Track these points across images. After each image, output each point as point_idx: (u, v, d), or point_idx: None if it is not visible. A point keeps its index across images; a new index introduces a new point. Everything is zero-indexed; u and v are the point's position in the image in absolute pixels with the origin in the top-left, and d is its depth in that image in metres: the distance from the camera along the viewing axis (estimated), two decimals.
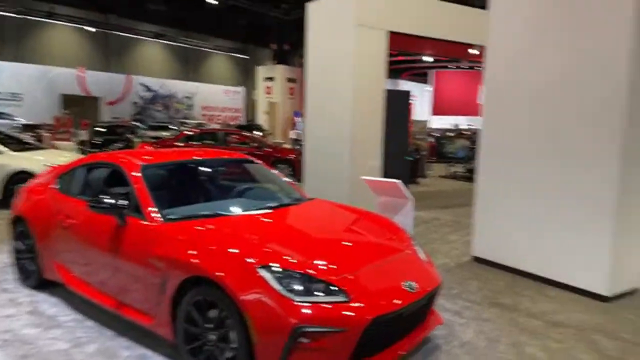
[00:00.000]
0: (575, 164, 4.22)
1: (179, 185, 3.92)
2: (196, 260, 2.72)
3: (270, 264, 2.57)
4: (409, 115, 7.93)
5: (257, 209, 3.45)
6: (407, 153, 11.06)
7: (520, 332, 3.45)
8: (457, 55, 10.24)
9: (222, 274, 2.57)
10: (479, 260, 5.13)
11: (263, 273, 2.52)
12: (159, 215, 3.10)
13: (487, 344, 3.27)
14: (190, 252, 2.77)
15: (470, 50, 8.44)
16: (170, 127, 21.51)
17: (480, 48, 7.92)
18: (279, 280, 2.50)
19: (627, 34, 3.80)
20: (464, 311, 3.80)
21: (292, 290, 2.48)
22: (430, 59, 10.78)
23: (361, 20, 6.67)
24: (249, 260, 2.61)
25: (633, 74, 3.82)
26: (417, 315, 2.89)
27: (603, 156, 4.00)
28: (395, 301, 2.65)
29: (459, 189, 11.13)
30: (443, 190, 11.17)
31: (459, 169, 13.74)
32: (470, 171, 12.93)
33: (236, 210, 3.49)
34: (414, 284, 2.78)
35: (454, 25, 7.90)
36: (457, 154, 14.23)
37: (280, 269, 2.56)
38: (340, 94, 6.97)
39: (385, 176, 6.95)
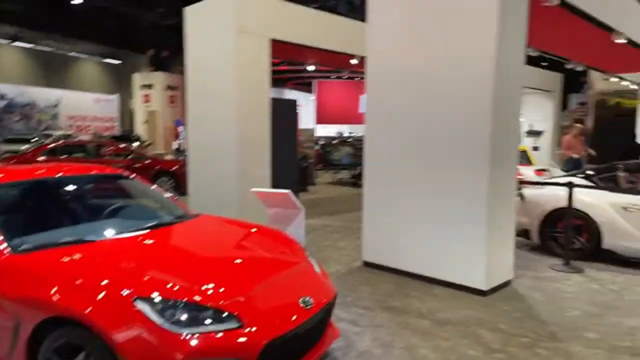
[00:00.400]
0: (451, 169, 4.48)
1: (34, 208, 3.34)
2: (57, 297, 2.30)
3: (150, 295, 2.27)
4: (297, 124, 7.92)
5: (133, 231, 3.06)
6: (298, 161, 11.10)
7: (412, 334, 3.52)
8: (339, 66, 10.53)
9: (90, 310, 2.20)
10: (369, 264, 5.22)
11: (141, 306, 2.21)
12: (5, 245, 2.58)
13: (383, 350, 3.27)
14: (49, 287, 2.34)
15: (352, 61, 8.71)
16: (33, 140, 19.04)
17: (361, 59, 8.22)
18: (161, 312, 2.21)
19: (491, 46, 4.12)
20: (358, 319, 3.79)
21: (176, 322, 2.20)
22: (313, 68, 10.93)
23: (242, 26, 6.48)
24: (123, 292, 2.27)
25: (498, 82, 4.16)
26: (315, 331, 2.77)
27: (474, 161, 4.30)
28: (291, 320, 2.50)
29: (346, 195, 11.42)
30: (331, 196, 11.38)
31: (344, 175, 14.17)
32: (355, 177, 13.41)
33: (108, 233, 3.08)
34: (309, 300, 2.66)
35: (336, 36, 8.08)
36: (342, 161, 14.67)
37: (161, 299, 2.26)
38: (224, 102, 6.69)
39: (276, 185, 6.82)
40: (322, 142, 17.10)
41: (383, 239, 5.09)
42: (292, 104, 7.89)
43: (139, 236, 3.01)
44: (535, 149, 14.95)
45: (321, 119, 27.41)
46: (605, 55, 8.58)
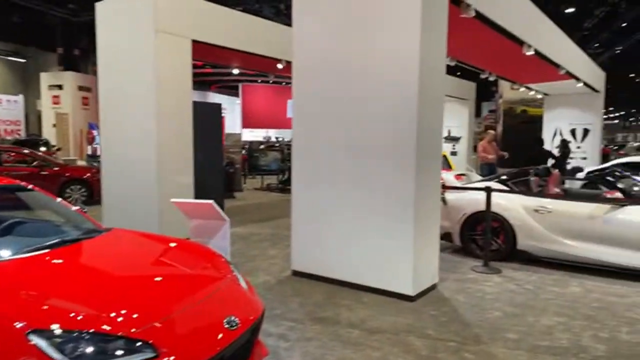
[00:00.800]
0: (377, 174, 4.48)
1: None
2: None
3: (48, 326, 1.97)
4: (222, 128, 7.63)
5: (31, 251, 2.70)
6: (223, 167, 10.76)
7: (343, 346, 3.44)
8: (265, 70, 10.36)
9: None
10: (298, 274, 5.10)
11: (36, 340, 1.91)
12: None
13: None
14: None
15: (278, 65, 8.59)
16: None
17: (287, 63, 8.12)
18: (60, 346, 1.93)
19: (416, 47, 4.17)
20: (288, 333, 3.65)
21: (79, 357, 1.93)
22: (237, 72, 10.61)
23: (161, 26, 6.11)
24: (17, 324, 1.96)
25: (422, 86, 4.21)
26: (241, 352, 2.59)
27: (401, 167, 4.33)
28: (214, 344, 2.30)
29: (274, 201, 11.25)
30: (260, 203, 11.14)
31: (272, 181, 14.00)
32: (283, 182, 13.29)
33: (2, 254, 2.68)
34: (234, 319, 2.48)
35: (261, 39, 7.92)
36: (270, 166, 14.49)
37: (61, 331, 1.97)
38: (142, 105, 6.26)
39: (201, 193, 6.50)
40: (249, 147, 16.81)
41: (312, 246, 5.00)
42: (217, 107, 7.61)
43: (38, 256, 2.66)
44: (454, 154, 15.75)
45: (247, 123, 27.01)
46: (515, 67, 9.19)
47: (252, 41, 7.76)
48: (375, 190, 4.52)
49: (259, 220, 8.50)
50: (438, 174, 4.83)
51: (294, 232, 5.17)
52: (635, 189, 5.72)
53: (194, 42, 6.67)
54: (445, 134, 16.51)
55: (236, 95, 28.50)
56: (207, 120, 7.03)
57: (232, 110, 29.06)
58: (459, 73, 15.40)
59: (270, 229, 7.74)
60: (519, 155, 11.08)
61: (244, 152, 15.29)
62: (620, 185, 5.60)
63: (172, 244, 3.20)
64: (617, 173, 6.25)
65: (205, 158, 6.95)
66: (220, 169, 7.60)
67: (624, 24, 18.25)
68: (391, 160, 4.40)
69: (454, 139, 16.34)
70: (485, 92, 22.69)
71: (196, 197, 6.37)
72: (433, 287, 4.72)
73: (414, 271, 4.37)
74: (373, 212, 4.54)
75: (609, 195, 5.53)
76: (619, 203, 5.24)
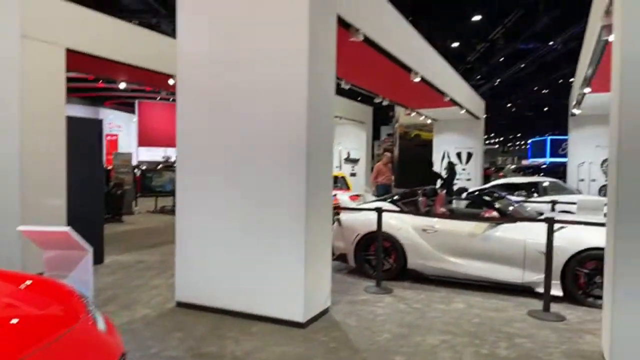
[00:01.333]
0: (265, 194, 4.30)
1: None
2: None
3: None
4: (102, 146, 6.97)
5: None
6: (110, 188, 9.91)
7: None
8: (156, 86, 9.81)
9: None
10: (183, 305, 4.70)
11: None
12: None
13: None
14: None
15: (170, 81, 8.15)
16: None
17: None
18: None
19: (304, 60, 4.10)
20: None
21: None
22: (124, 86, 9.89)
23: (28, 31, 5.45)
24: None
25: (311, 99, 4.14)
26: None
27: (290, 187, 4.19)
28: None
29: (167, 225, 10.56)
30: (151, 227, 10.40)
31: (167, 202, 13.22)
32: None
33: None
34: None
35: (152, 53, 7.47)
36: (165, 187, 13.70)
37: None
38: (1, 118, 5.48)
39: (75, 217, 5.83)
40: (144, 167, 15.81)
41: (197, 274, 4.65)
42: (96, 124, 6.96)
43: None
44: (353, 174, 16.18)
45: (144, 141, 25.56)
46: (405, 92, 9.67)
47: (139, 54, 7.29)
48: (263, 214, 4.32)
49: (147, 247, 7.89)
50: (329, 196, 4.77)
51: (178, 260, 4.78)
52: (510, 208, 6.17)
53: (70, 51, 6.07)
54: (345, 155, 16.97)
55: (133, 112, 26.87)
56: (85, 138, 6.36)
57: (127, 128, 27.39)
58: (359, 98, 15.99)
59: (159, 255, 7.20)
60: (414, 177, 11.66)
61: (137, 172, 14.31)
62: (497, 205, 6.00)
63: (23, 283, 2.70)
64: (495, 194, 6.72)
65: (82, 179, 6.28)
66: (99, 191, 6.91)
67: (501, 59, 20.41)
68: (280, 181, 4.25)
69: (353, 161, 16.81)
70: (385, 116, 23.86)
71: (70, 222, 5.70)
72: (325, 312, 4.60)
73: (305, 296, 4.21)
74: (261, 237, 4.34)
75: (486, 215, 5.89)
76: (495, 222, 5.60)
